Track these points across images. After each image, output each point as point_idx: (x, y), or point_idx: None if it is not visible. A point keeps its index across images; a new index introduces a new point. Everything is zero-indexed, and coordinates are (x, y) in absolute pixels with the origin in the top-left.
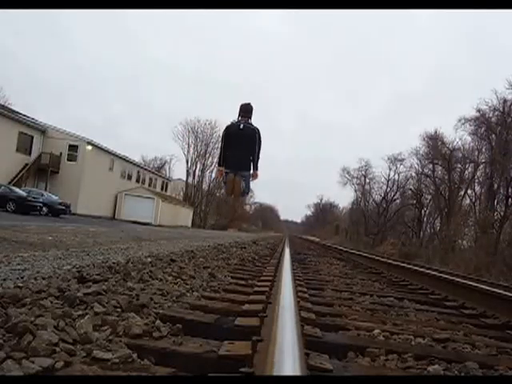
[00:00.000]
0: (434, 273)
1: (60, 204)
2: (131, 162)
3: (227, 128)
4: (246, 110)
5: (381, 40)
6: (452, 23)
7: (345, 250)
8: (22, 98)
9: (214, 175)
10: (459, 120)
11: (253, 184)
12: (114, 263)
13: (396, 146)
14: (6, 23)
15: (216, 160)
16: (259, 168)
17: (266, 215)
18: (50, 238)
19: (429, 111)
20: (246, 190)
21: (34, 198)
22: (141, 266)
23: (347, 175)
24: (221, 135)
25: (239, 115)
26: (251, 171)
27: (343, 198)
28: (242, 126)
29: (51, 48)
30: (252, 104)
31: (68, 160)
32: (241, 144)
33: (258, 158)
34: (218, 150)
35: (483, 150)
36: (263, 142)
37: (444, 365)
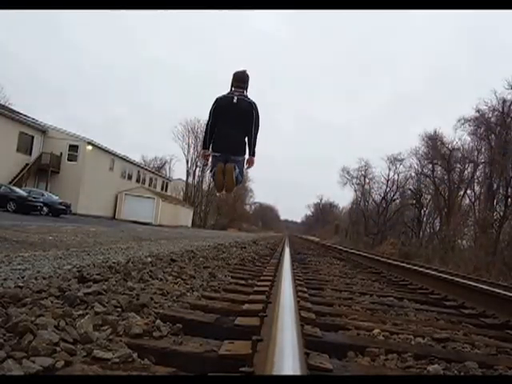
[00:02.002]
0: (433, 272)
1: (60, 204)
2: (131, 162)
3: (217, 101)
4: (240, 80)
5: (381, 40)
6: (452, 23)
7: (345, 249)
8: (23, 98)
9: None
10: (459, 120)
11: (253, 184)
12: (114, 263)
13: (396, 146)
14: (6, 23)
15: (201, 141)
16: (256, 153)
17: (266, 215)
18: (51, 237)
19: (428, 111)
20: (240, 179)
21: (34, 197)
22: (141, 265)
23: (347, 175)
24: (209, 110)
25: (232, 86)
26: (246, 156)
27: (343, 198)
28: (235, 98)
29: (51, 48)
30: (248, 72)
31: (68, 160)
32: (234, 121)
33: (256, 139)
34: (204, 128)
35: (482, 150)
36: (262, 121)
37: (444, 364)
